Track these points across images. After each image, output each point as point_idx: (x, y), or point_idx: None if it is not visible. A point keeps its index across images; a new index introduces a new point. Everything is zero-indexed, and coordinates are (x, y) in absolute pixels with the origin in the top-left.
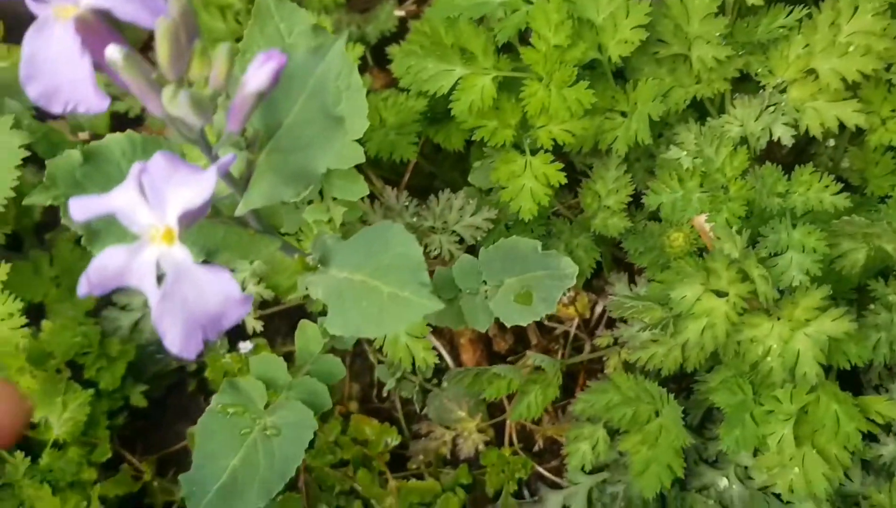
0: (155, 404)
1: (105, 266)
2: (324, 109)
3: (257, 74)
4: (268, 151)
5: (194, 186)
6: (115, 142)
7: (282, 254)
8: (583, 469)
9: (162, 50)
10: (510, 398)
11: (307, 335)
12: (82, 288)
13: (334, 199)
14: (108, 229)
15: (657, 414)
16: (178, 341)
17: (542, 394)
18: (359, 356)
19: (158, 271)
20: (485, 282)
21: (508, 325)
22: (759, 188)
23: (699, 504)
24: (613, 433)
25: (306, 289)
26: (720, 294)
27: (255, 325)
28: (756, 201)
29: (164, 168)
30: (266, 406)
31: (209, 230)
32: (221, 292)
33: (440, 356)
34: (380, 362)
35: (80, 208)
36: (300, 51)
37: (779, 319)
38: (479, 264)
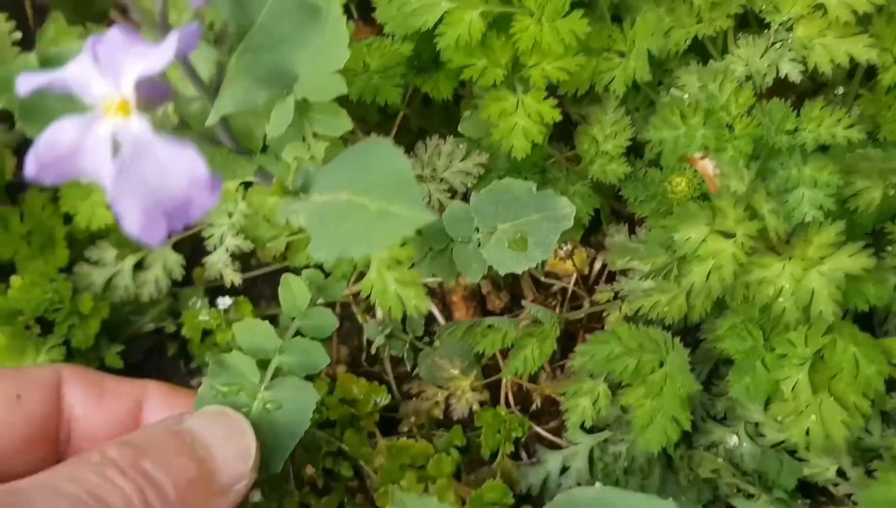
0: (132, 369)
1: (55, 142)
2: (299, 1)
3: None
4: (239, 53)
5: (152, 57)
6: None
7: (259, 195)
8: (583, 426)
9: None
10: (505, 356)
11: (292, 290)
12: (30, 167)
13: (315, 135)
14: (48, 107)
15: (661, 365)
16: (137, 222)
17: (538, 348)
18: (346, 318)
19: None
20: (477, 230)
21: (502, 273)
22: (767, 125)
23: (707, 462)
24: (615, 389)
25: (286, 219)
26: (727, 236)
27: (234, 278)
28: (763, 139)
29: (120, 41)
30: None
31: None
32: (186, 172)
33: (432, 315)
34: (372, 318)
35: (28, 81)
36: None
37: (790, 258)
38: (471, 210)
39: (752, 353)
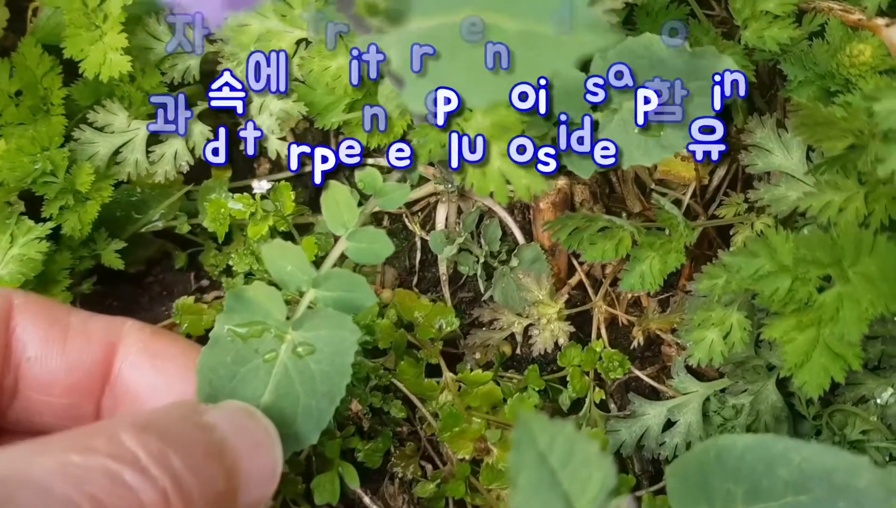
0: (132, 281)
1: None
2: None
3: None
4: None
5: None
6: None
7: (321, 57)
8: (692, 371)
9: None
10: (598, 279)
11: (338, 201)
12: None
13: None
14: None
15: (827, 282)
16: None
17: (660, 262)
18: (395, 234)
19: None
20: (594, 107)
21: (625, 166)
22: None
23: (856, 419)
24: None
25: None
26: None
27: (279, 148)
28: None
29: None
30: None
31: None
32: None
33: (507, 232)
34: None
35: None
36: None
37: None
38: (590, 80)
39: None
